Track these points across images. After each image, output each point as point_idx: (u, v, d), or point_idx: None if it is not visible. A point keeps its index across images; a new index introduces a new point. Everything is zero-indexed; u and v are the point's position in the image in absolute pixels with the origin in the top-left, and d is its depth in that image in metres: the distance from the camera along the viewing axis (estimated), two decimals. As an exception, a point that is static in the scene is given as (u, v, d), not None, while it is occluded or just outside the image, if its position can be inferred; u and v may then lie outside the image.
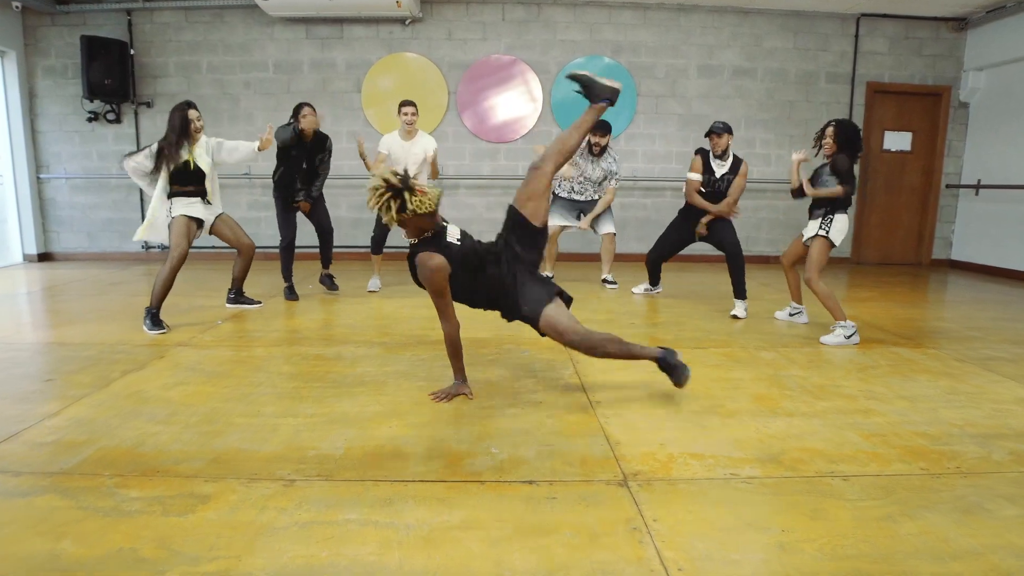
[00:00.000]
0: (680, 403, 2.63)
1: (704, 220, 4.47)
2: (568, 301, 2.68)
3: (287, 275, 4.78)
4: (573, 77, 2.74)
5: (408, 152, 4.76)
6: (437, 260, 2.45)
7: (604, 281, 5.40)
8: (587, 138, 5.00)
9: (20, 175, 6.61)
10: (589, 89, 2.71)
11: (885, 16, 6.73)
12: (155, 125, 6.51)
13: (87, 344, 3.43)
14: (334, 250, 5.03)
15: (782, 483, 1.94)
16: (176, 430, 2.29)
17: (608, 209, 5.30)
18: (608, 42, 6.72)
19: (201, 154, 3.85)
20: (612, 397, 2.69)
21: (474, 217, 6.79)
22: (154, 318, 3.69)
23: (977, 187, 6.80)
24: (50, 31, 6.53)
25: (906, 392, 2.80)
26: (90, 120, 6.61)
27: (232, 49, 6.62)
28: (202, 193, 3.89)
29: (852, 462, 2.08)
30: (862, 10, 6.64)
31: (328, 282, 4.94)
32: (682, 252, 4.87)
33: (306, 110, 4.49)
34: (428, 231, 2.52)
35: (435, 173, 4.90)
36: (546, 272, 5.50)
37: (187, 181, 3.81)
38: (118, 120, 6.66)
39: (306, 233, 4.92)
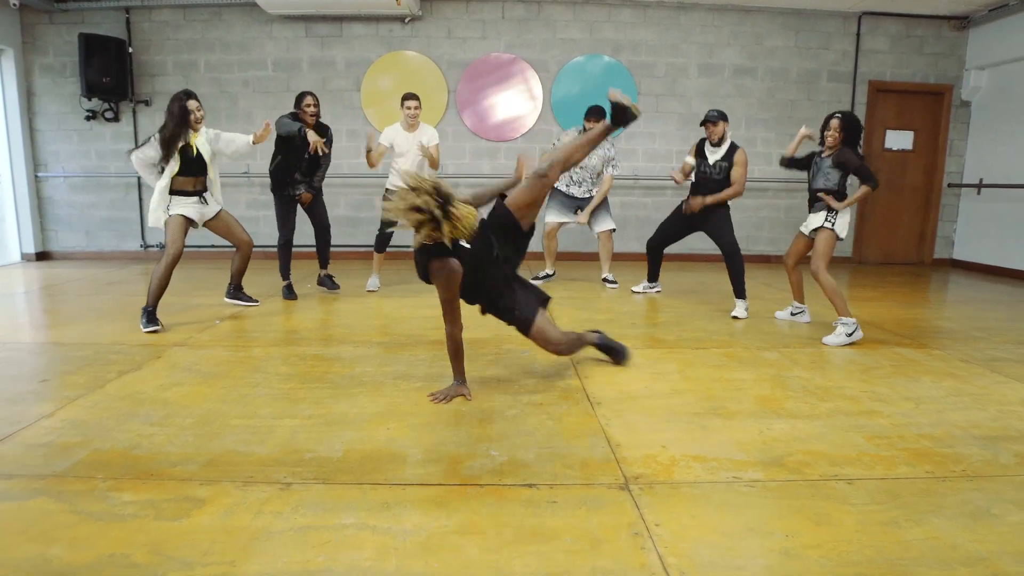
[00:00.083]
0: (681, 404, 2.60)
1: (695, 201, 4.35)
2: (547, 301, 2.79)
3: (285, 273, 4.75)
4: (615, 101, 2.73)
5: (413, 143, 4.75)
6: (453, 264, 2.42)
7: (605, 280, 5.35)
8: (583, 124, 5.00)
9: (18, 174, 6.58)
10: (621, 114, 2.74)
11: (887, 14, 6.70)
12: (153, 124, 6.44)
13: (83, 344, 3.40)
14: (332, 249, 5.01)
15: (786, 487, 1.91)
16: (171, 432, 2.26)
17: (606, 205, 5.25)
18: (608, 40, 6.69)
19: (202, 143, 3.85)
20: (613, 398, 2.66)
21: (474, 216, 6.75)
22: (150, 316, 3.68)
23: (979, 186, 6.77)
24: (48, 29, 6.50)
25: (910, 393, 2.78)
26: (88, 118, 6.58)
27: (231, 47, 6.59)
28: (201, 189, 3.87)
29: (856, 465, 2.06)
30: (864, 8, 6.60)
31: (328, 282, 4.90)
32: (682, 252, 4.84)
33: (308, 99, 4.44)
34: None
35: (435, 164, 4.88)
36: (547, 270, 5.49)
37: (189, 170, 3.78)
38: (116, 118, 6.63)
39: (304, 233, 4.89)
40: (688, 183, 4.54)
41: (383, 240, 4.91)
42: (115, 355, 3.20)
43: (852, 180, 3.71)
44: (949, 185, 7.08)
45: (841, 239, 3.68)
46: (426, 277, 2.53)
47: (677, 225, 4.60)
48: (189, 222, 3.85)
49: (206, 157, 3.85)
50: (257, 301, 4.43)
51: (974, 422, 2.45)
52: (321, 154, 4.50)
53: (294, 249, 4.76)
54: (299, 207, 4.68)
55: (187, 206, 3.82)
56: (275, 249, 4.79)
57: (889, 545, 1.60)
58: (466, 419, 2.41)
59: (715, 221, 4.37)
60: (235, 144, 4.04)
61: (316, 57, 6.62)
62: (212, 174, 3.94)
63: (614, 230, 5.29)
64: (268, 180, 4.68)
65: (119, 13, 6.47)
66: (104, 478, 1.91)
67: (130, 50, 6.48)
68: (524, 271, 3.11)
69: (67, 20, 6.47)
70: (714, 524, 1.70)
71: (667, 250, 4.85)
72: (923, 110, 7.00)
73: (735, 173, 4.29)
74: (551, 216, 5.26)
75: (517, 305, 2.63)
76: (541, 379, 2.90)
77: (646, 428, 2.35)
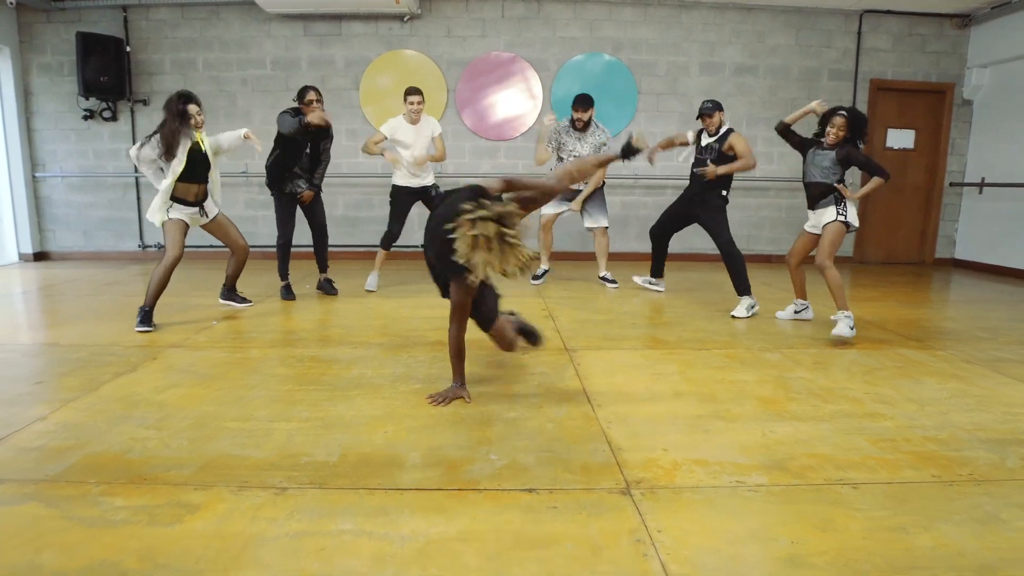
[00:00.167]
0: (683, 406, 2.56)
1: (708, 169, 4.29)
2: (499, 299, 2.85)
3: (284, 273, 4.71)
4: (636, 146, 3.06)
5: (418, 135, 4.75)
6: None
7: (602, 279, 5.30)
8: (571, 115, 5.00)
9: (15, 173, 6.54)
10: (632, 152, 3.08)
11: (888, 12, 6.66)
12: (151, 123, 6.37)
13: (79, 345, 3.36)
14: (330, 249, 4.97)
15: (790, 491, 1.88)
16: (166, 435, 2.23)
17: (601, 200, 5.21)
18: (608, 39, 6.65)
19: (207, 142, 3.87)
20: (613, 400, 2.62)
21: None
22: (145, 316, 3.66)
23: (981, 185, 6.74)
24: (45, 28, 6.46)
25: (914, 395, 2.74)
26: (86, 118, 6.54)
27: (229, 46, 6.56)
28: (202, 199, 3.87)
29: (861, 469, 2.02)
30: (865, 6, 6.57)
31: (327, 287, 4.85)
32: (683, 252, 4.81)
33: (311, 95, 4.35)
34: None
35: (441, 154, 4.85)
36: (543, 266, 5.44)
37: (193, 172, 3.75)
38: (114, 118, 6.60)
39: (302, 233, 4.86)
40: (687, 184, 4.53)
41: (391, 238, 4.86)
42: (111, 356, 3.16)
43: (849, 177, 3.71)
44: (951, 184, 7.04)
45: (856, 227, 3.71)
46: (441, 277, 2.53)
47: (678, 213, 4.63)
48: (187, 226, 3.86)
49: (210, 156, 3.84)
50: (251, 302, 4.39)
51: (979, 424, 2.42)
52: (320, 151, 4.48)
53: (293, 249, 4.72)
54: (298, 206, 4.64)
55: (187, 216, 3.84)
56: (274, 249, 4.75)
57: (897, 552, 1.57)
58: (465, 422, 2.38)
59: (711, 217, 4.36)
60: (227, 140, 4.01)
61: (315, 56, 6.58)
62: (214, 174, 3.94)
63: (607, 228, 5.25)
64: (266, 179, 4.63)
65: (117, 12, 6.43)
66: (97, 483, 1.88)
67: (128, 49, 6.44)
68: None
69: (64, 19, 6.44)
70: (718, 530, 1.66)
71: (668, 250, 4.83)
72: (925, 108, 6.96)
73: (738, 149, 4.26)
74: (546, 208, 5.21)
75: (487, 304, 2.64)
76: (541, 381, 2.87)
77: (647, 431, 2.31)
